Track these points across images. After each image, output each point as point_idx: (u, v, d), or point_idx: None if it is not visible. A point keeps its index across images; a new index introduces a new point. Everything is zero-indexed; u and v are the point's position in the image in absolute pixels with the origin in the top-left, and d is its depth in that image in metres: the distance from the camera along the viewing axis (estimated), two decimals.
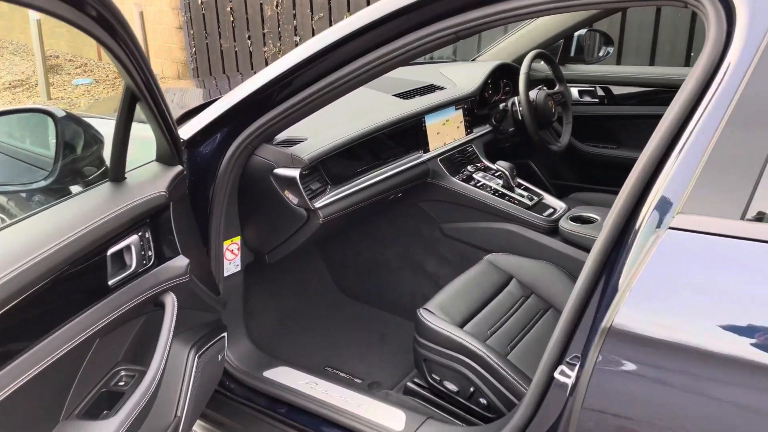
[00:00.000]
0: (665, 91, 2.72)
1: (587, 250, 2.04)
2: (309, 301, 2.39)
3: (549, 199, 2.24)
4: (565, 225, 2.03)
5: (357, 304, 2.42)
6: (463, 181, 2.23)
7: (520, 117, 2.49)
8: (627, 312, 0.98)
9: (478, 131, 2.50)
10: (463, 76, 2.58)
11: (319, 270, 2.47)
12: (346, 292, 2.45)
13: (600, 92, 2.86)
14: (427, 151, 2.20)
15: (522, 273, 1.98)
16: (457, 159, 2.32)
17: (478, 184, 2.22)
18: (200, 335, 1.53)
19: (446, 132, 2.31)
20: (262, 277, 2.15)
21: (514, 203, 2.15)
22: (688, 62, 3.85)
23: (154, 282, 1.27)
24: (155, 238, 1.30)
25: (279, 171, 1.69)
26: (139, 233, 1.26)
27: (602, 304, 1.05)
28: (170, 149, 1.38)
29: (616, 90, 2.87)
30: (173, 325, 1.26)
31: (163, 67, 7.85)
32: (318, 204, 1.75)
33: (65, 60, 9.64)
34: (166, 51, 7.69)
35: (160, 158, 1.44)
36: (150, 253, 1.28)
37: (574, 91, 2.87)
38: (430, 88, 2.42)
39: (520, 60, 2.82)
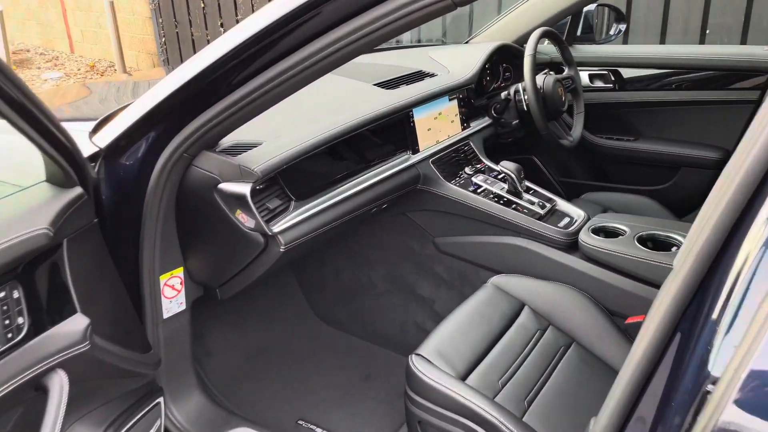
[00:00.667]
0: (686, 73, 2.35)
1: (613, 268, 1.72)
2: (280, 332, 2.01)
3: (563, 205, 1.87)
4: (587, 239, 1.66)
5: (338, 333, 2.04)
6: (460, 186, 1.85)
7: (525, 107, 2.11)
8: (738, 414, 0.60)
9: (476, 125, 2.13)
10: (457, 61, 2.20)
11: (293, 293, 2.10)
12: (324, 319, 2.08)
13: (613, 76, 2.48)
14: (416, 151, 1.83)
15: (536, 299, 1.62)
16: (453, 160, 1.95)
17: (478, 190, 1.85)
18: (122, 409, 1.16)
19: (439, 127, 1.93)
20: (221, 308, 1.77)
21: (522, 212, 1.78)
22: (703, 40, 3.48)
23: (27, 362, 0.89)
24: (30, 296, 0.92)
25: (225, 186, 1.31)
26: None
27: (688, 397, 0.68)
28: (61, 166, 1.00)
29: (626, 73, 2.49)
30: (61, 415, 0.89)
31: (137, 60, 7.41)
32: (277, 227, 1.37)
33: (36, 54, 9.17)
34: (139, 42, 7.25)
35: (51, 178, 1.05)
36: (21, 320, 0.90)
37: (584, 76, 2.50)
38: (419, 76, 2.04)
39: (521, 41, 2.45)
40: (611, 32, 2.63)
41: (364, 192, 1.62)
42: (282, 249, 1.37)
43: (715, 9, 3.40)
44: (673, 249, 1.61)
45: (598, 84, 2.49)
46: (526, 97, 2.11)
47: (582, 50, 2.48)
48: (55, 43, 9.19)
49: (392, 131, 1.78)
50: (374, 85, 1.87)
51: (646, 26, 3.63)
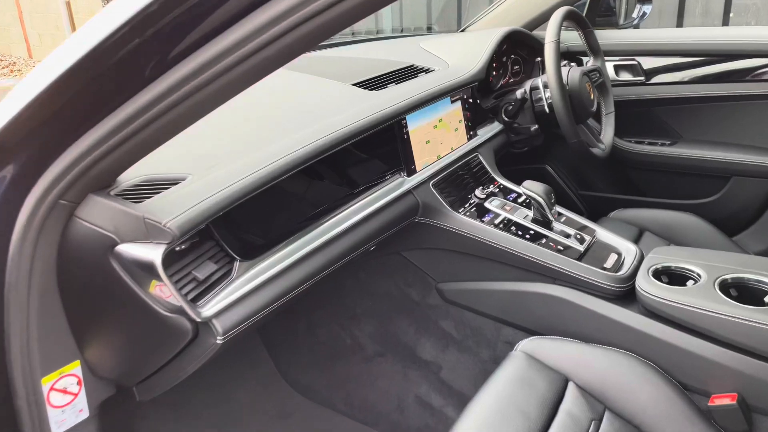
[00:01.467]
0: (726, 60, 1.92)
1: (687, 328, 1.12)
2: (239, 409, 1.54)
3: (605, 235, 1.43)
4: (648, 287, 1.21)
5: (313, 406, 1.58)
6: (471, 216, 1.40)
7: (546, 108, 1.67)
8: None
9: (485, 133, 1.68)
10: (458, 53, 1.75)
11: (257, 356, 1.63)
12: (297, 387, 1.61)
13: (642, 68, 2.04)
14: (412, 171, 1.37)
15: (583, 371, 1.18)
16: (460, 180, 1.50)
17: (496, 221, 1.40)
18: None
19: (440, 138, 1.48)
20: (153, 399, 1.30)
21: (556, 250, 1.33)
22: (726, 22, 3.06)
23: None
24: None
25: (124, 250, 0.85)
26: None
27: None
28: None
29: (646, 63, 2.05)
30: None
31: None
32: (210, 309, 0.90)
33: None
34: None
35: None
36: None
37: (609, 68, 2.06)
38: (411, 72, 1.58)
39: (532, 26, 2.00)
40: (634, 14, 2.20)
41: (344, 237, 1.16)
42: (219, 340, 0.90)
43: None
44: (766, 298, 1.18)
45: (626, 77, 2.05)
46: (548, 95, 1.66)
47: (603, 36, 2.04)
48: (13, 47, 8.63)
49: (379, 147, 1.33)
50: (353, 85, 1.41)
51: (660, 9, 3.21)
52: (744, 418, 1.12)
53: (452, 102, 1.54)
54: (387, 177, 1.34)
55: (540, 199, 1.37)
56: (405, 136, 1.35)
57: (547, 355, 1.21)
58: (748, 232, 1.93)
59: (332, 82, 1.40)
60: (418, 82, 1.49)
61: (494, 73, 1.83)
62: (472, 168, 1.55)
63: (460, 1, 3.65)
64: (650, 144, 2.04)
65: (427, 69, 1.61)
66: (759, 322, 1.09)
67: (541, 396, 1.13)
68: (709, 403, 1.16)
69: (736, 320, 1.11)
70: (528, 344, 1.24)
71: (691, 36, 1.97)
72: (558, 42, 1.57)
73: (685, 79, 1.97)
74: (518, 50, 1.96)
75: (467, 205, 1.43)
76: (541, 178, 2.25)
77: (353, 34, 3.65)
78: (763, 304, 1.16)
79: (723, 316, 1.12)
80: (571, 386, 1.17)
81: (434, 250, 1.44)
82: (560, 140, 1.89)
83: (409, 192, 1.35)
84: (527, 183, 1.40)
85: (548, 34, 1.58)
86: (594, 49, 1.83)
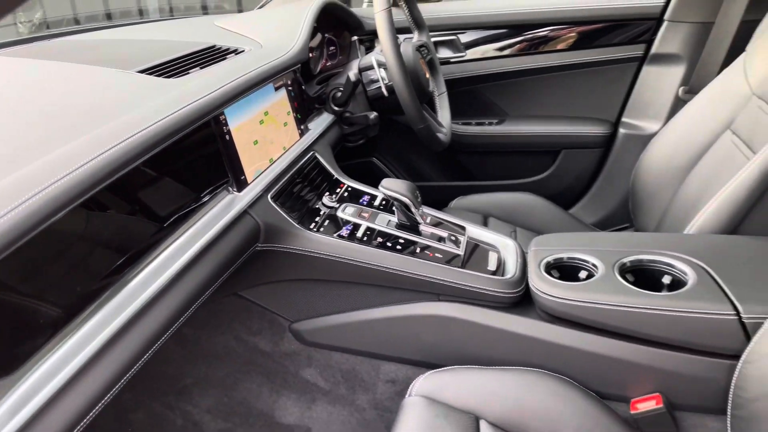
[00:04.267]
0: (539, 27, 1.86)
1: (595, 328, 0.92)
2: None
3: (474, 232, 1.23)
4: (545, 287, 1.03)
5: None
6: (326, 232, 1.09)
7: (384, 91, 1.42)
8: None
9: (317, 126, 1.38)
10: (269, 31, 1.41)
11: None
12: None
13: (463, 39, 1.91)
14: (243, 184, 1.02)
15: (493, 405, 0.96)
16: (301, 188, 1.17)
17: (357, 233, 1.11)
18: None
19: (269, 137, 1.14)
20: None
21: (436, 259, 1.09)
22: None
23: None
24: None
25: None
26: None
27: None
28: None
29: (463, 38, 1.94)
30: None
31: None
32: None
33: None
34: None
35: None
36: None
37: None
38: (215, 54, 1.21)
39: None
40: None
41: (165, 297, 0.77)
42: None
43: None
44: (665, 279, 1.07)
45: (447, 53, 1.90)
46: (384, 74, 1.41)
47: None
48: None
49: (193, 155, 0.95)
50: (140, 72, 1.00)
51: None
52: (672, 420, 1.00)
53: (276, 90, 1.21)
54: (210, 196, 0.96)
55: (405, 199, 1.11)
56: (227, 136, 0.99)
57: (451, 393, 0.97)
58: (581, 203, 1.91)
59: (109, 70, 0.97)
60: (228, 66, 1.13)
61: (311, 54, 1.53)
62: (313, 171, 1.24)
63: None
64: (478, 125, 1.93)
65: (236, 50, 1.25)
66: (673, 310, 0.96)
67: None
68: (631, 410, 1.01)
69: (649, 311, 0.97)
70: (424, 383, 0.98)
71: (509, 6, 1.88)
72: (390, 10, 1.32)
73: (506, 53, 1.87)
74: (331, 28, 1.68)
75: (318, 218, 1.12)
76: (369, 173, 2.02)
77: (109, 17, 3.05)
78: (661, 285, 1.05)
79: (634, 309, 0.97)
80: (483, 426, 0.94)
81: (284, 282, 1.11)
82: (385, 129, 1.67)
83: (244, 212, 0.99)
84: (386, 182, 1.13)
85: (377, 3, 1.33)
86: (419, 22, 1.63)
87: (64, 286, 0.67)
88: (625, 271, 1.06)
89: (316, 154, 1.28)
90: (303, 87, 1.35)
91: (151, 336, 0.75)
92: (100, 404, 0.65)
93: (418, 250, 1.10)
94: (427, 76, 1.51)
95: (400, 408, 0.95)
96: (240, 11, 2.03)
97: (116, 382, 0.68)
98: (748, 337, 0.90)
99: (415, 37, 1.64)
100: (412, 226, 1.15)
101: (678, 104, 1.68)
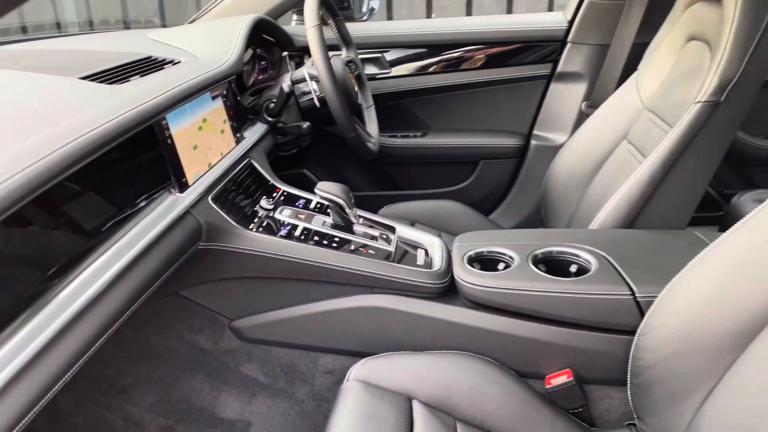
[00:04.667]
0: (455, 48, 2.00)
1: (513, 312, 1.08)
2: None
3: (403, 232, 1.32)
4: (468, 277, 1.13)
5: None
6: (265, 231, 1.15)
7: (316, 102, 1.50)
8: None
9: (251, 135, 1.44)
10: (203, 44, 1.47)
11: None
12: None
13: (387, 60, 2.03)
14: (184, 186, 1.06)
15: (426, 387, 1.05)
16: (239, 192, 1.23)
17: (295, 232, 1.18)
18: None
19: (207, 143, 1.19)
20: None
21: (369, 255, 1.17)
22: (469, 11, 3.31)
23: None
24: None
25: None
26: None
27: None
28: None
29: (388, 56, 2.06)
30: None
31: None
32: None
33: None
34: None
35: None
36: None
37: None
38: (153, 64, 1.25)
39: (276, 14, 1.82)
40: (363, 9, 2.18)
41: (108, 294, 0.81)
42: None
43: None
44: (572, 267, 1.20)
45: (374, 70, 2.01)
46: (315, 87, 1.50)
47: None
48: None
49: (135, 158, 0.99)
50: (83, 79, 1.03)
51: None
52: (582, 393, 1.12)
53: (213, 99, 1.26)
54: (152, 197, 1.01)
55: (340, 201, 1.19)
56: (169, 140, 1.04)
57: (385, 376, 1.05)
58: (500, 209, 2.05)
59: (52, 77, 1.00)
60: (167, 75, 1.18)
61: (244, 68, 1.59)
62: (249, 176, 1.30)
63: None
64: (403, 137, 2.04)
65: (173, 60, 1.29)
66: (579, 292, 1.09)
67: (392, 427, 0.96)
68: (546, 386, 1.13)
69: (558, 294, 1.09)
70: (361, 369, 1.06)
71: (431, 27, 2.02)
72: (321, 27, 1.41)
73: (429, 70, 2.00)
74: (264, 44, 1.75)
75: (257, 219, 1.18)
76: (301, 184, 2.09)
77: (24, 30, 2.97)
78: (569, 273, 1.18)
79: (545, 293, 1.10)
80: (416, 405, 1.02)
81: (224, 281, 1.16)
82: (316, 141, 1.75)
83: (186, 212, 1.04)
84: (322, 185, 1.21)
85: (308, 20, 1.41)
86: (347, 39, 1.73)
87: (14, 284, 0.70)
88: (537, 261, 1.18)
89: (252, 161, 1.34)
90: (238, 98, 1.41)
91: (90, 338, 0.78)
92: (34, 410, 0.67)
93: (353, 247, 1.18)
94: (356, 89, 1.61)
95: (338, 393, 1.02)
96: (164, 26, 2.05)
97: (53, 385, 0.70)
98: (642, 314, 1.04)
99: (344, 54, 1.74)
100: (347, 227, 1.23)
101: (581, 117, 1.86)
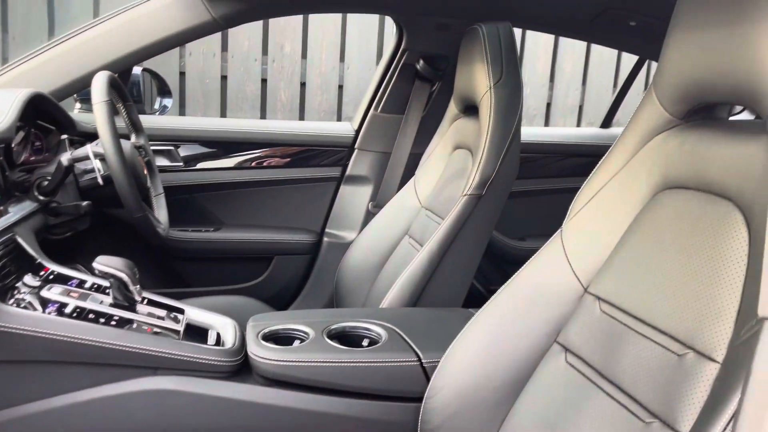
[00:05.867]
0: (253, 148, 2.06)
1: (308, 387, 1.09)
2: None
3: (198, 313, 1.26)
4: (262, 352, 1.10)
5: None
6: (28, 308, 1.00)
7: (100, 180, 1.41)
8: None
9: (18, 211, 1.28)
10: None
11: None
12: None
13: (182, 153, 2.00)
14: None
15: None
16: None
17: (65, 311, 1.04)
18: None
19: None
20: None
21: (154, 333, 1.08)
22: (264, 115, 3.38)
23: None
24: None
25: None
26: None
27: None
28: None
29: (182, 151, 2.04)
30: None
31: None
32: None
33: None
34: None
35: None
36: None
37: None
38: None
39: (60, 95, 1.71)
40: (156, 106, 2.16)
41: None
42: None
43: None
44: (364, 341, 1.24)
45: (165, 162, 1.96)
46: (100, 165, 1.41)
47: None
48: None
49: None
50: None
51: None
52: None
53: None
54: None
55: (123, 276, 1.10)
56: None
57: None
58: (295, 304, 2.05)
59: None
60: None
61: (14, 147, 1.45)
62: (12, 252, 1.14)
63: None
64: (195, 231, 1.98)
65: None
66: (371, 361, 1.12)
67: None
68: None
69: (352, 364, 1.12)
70: None
71: (226, 125, 2.06)
72: (110, 103, 1.36)
73: (224, 166, 2.02)
74: (39, 123, 1.62)
75: (17, 294, 1.03)
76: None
77: None
78: (362, 346, 1.22)
79: (339, 363, 1.11)
80: None
81: None
82: (95, 228, 1.62)
83: None
84: (102, 259, 1.11)
85: (96, 95, 1.36)
86: (137, 125, 1.68)
87: None
88: (332, 336, 1.20)
89: (17, 236, 1.19)
90: (6, 172, 1.27)
91: None
92: None
93: (134, 326, 1.08)
94: (146, 172, 1.55)
95: None
96: None
97: None
98: (428, 379, 1.09)
99: (133, 139, 1.68)
100: (130, 306, 1.13)
101: (369, 216, 2.01)
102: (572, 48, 3.62)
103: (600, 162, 1.00)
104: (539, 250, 1.03)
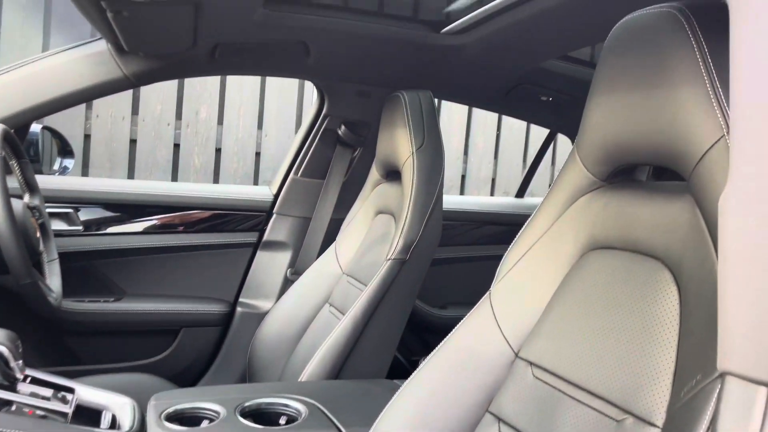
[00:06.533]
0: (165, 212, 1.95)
1: None
2: None
3: (90, 392, 1.11)
4: None
5: None
6: None
7: None
8: None
9: None
10: None
11: None
12: None
13: (82, 216, 1.85)
14: None
15: None
16: None
17: None
18: None
19: None
20: None
21: (38, 416, 0.93)
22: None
23: None
24: None
25: None
26: None
27: None
28: None
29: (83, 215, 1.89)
30: None
31: None
32: None
33: None
34: None
35: None
36: None
37: None
38: None
39: None
40: (55, 167, 2.01)
41: None
42: None
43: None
44: (281, 419, 1.13)
45: (62, 226, 1.80)
46: None
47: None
48: None
49: None
50: None
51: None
52: None
53: None
54: None
55: (3, 349, 0.95)
56: None
57: None
58: (203, 381, 1.89)
59: None
60: None
61: None
62: None
63: None
64: (92, 302, 1.81)
65: None
66: None
67: None
68: None
69: None
70: None
71: (131, 186, 1.93)
72: (2, 159, 1.23)
73: (129, 231, 1.88)
74: None
75: None
76: None
77: None
78: (278, 424, 1.11)
79: None
80: None
81: None
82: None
83: None
84: None
85: None
86: (31, 184, 1.54)
87: None
88: (245, 414, 1.09)
89: None
90: None
91: None
92: None
93: (13, 408, 0.93)
94: (38, 235, 1.40)
95: None
96: None
97: None
98: None
99: (26, 199, 1.53)
100: (9, 385, 0.98)
101: (287, 284, 1.91)
102: (485, 122, 3.78)
103: (526, 224, 0.99)
104: (467, 315, 0.99)
